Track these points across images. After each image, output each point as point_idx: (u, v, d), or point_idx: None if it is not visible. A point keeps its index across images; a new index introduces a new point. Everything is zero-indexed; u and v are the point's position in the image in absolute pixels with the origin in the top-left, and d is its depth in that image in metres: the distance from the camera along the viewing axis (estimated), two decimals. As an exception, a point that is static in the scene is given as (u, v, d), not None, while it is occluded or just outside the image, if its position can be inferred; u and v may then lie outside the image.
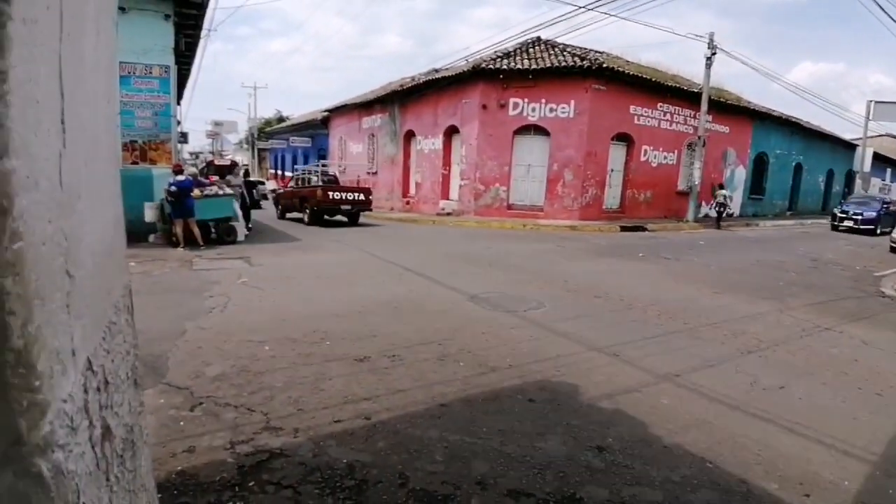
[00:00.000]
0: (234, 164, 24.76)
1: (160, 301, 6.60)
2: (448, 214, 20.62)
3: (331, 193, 16.43)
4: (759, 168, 28.02)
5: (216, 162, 29.49)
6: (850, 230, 21.86)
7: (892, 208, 23.20)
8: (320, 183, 17.34)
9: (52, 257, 0.85)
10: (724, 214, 21.31)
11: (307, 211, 16.83)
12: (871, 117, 30.19)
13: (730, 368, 5.00)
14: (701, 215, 22.60)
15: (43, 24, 0.87)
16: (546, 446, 3.39)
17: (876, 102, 29.82)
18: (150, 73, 12.48)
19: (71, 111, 0.99)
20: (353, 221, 17.03)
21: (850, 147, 34.56)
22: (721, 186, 22.36)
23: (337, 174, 21.79)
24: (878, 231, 21.19)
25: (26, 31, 0.77)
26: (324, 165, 21.73)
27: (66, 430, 0.85)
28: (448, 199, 22.03)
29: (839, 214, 23.01)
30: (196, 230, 11.39)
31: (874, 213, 22.07)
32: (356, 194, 16.92)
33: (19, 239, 0.73)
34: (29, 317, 0.75)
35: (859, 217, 22.08)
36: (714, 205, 21.72)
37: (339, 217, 16.71)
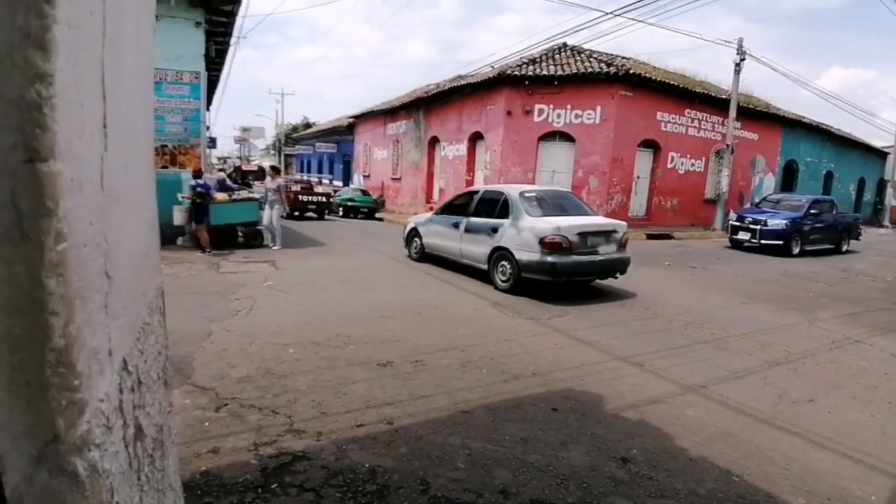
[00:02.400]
0: (261, 170, 25.11)
1: (187, 303, 6.70)
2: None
3: (301, 196, 21.53)
4: (789, 176, 27.50)
5: (244, 167, 29.86)
6: (748, 248, 15.88)
7: (825, 215, 16.72)
8: (296, 189, 22.03)
9: (93, 258, 0.87)
10: None
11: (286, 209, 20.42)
12: (903, 125, 29.48)
13: (757, 380, 4.91)
14: (729, 223, 22.19)
15: (87, 28, 0.89)
16: (569, 456, 3.35)
17: (910, 110, 29.14)
18: (181, 79, 12.71)
19: (112, 115, 1.01)
20: (320, 216, 21.95)
21: (881, 155, 33.84)
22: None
23: (312, 183, 26.83)
24: (797, 250, 15.24)
25: (71, 36, 0.79)
26: (302, 177, 28.95)
27: (103, 430, 0.87)
28: (471, 205, 21.98)
29: (734, 223, 16.71)
30: (205, 235, 11.20)
31: (783, 223, 15.28)
32: (319, 197, 22.22)
33: (63, 240, 0.75)
34: (70, 317, 0.77)
35: (757, 228, 15.52)
36: None
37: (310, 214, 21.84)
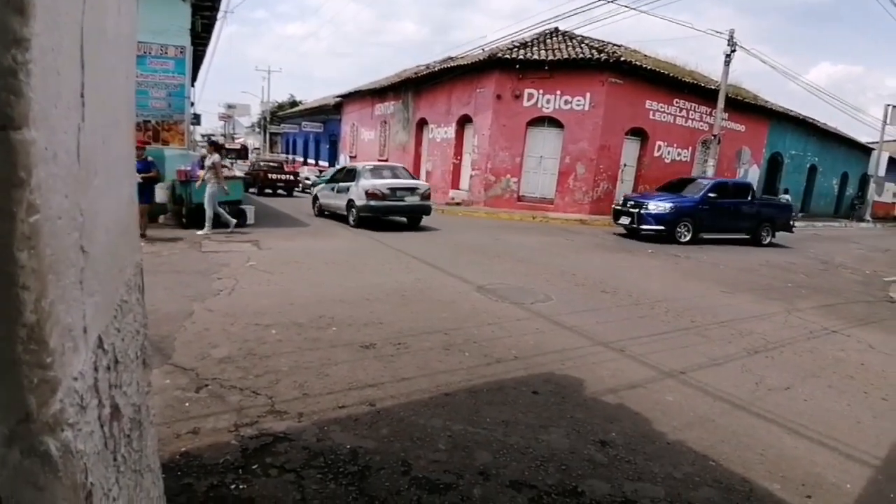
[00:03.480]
0: (244, 148, 25.40)
1: (168, 281, 6.63)
2: (458, 204, 20.57)
3: (270, 175, 23.91)
4: (774, 168, 27.77)
5: (227, 146, 29.71)
6: (628, 233, 14.90)
7: (735, 201, 15.00)
8: (266, 168, 24.56)
9: (68, 232, 0.84)
10: None
11: (257, 186, 23.49)
12: (888, 121, 29.83)
13: (736, 367, 4.97)
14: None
15: None
16: (549, 439, 3.38)
17: (894, 107, 29.49)
18: (166, 53, 12.47)
19: (91, 85, 0.97)
20: (288, 193, 24.01)
21: (865, 150, 34.22)
22: (786, 191, 24.42)
23: (283, 163, 28.62)
24: (686, 238, 14.02)
25: (50, 0, 0.76)
26: (271, 157, 31.32)
27: (76, 409, 0.85)
28: (458, 188, 21.98)
29: (616, 207, 15.62)
30: (144, 219, 9.88)
31: (667, 207, 13.94)
32: (287, 176, 24.66)
33: (36, 212, 0.72)
34: (42, 292, 0.74)
35: (636, 212, 14.26)
36: None
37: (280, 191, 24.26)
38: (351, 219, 13.25)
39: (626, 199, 15.30)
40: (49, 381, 0.76)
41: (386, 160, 27.20)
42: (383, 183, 13.05)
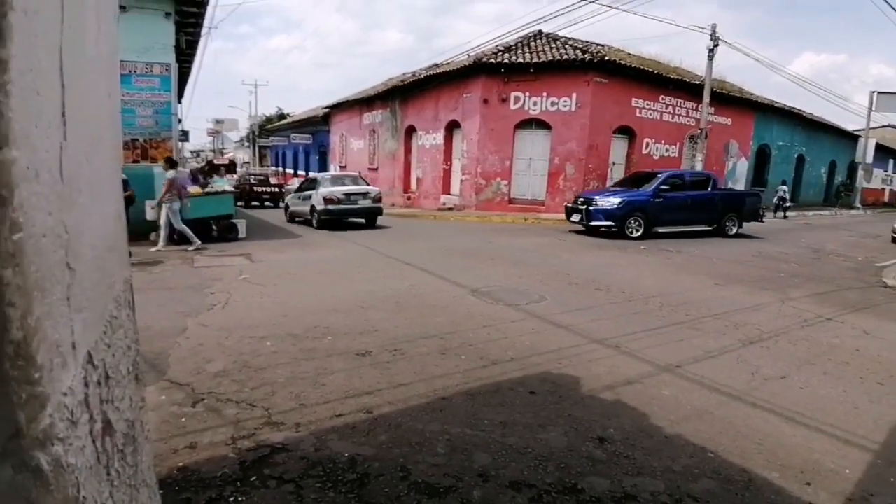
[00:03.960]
0: (232, 163, 25.89)
1: (161, 298, 6.61)
2: (449, 209, 20.61)
3: (256, 188, 25.06)
4: (762, 160, 27.96)
5: (215, 161, 30.03)
6: (581, 229, 14.80)
7: (692, 192, 14.81)
8: (253, 181, 25.71)
9: (53, 249, 0.85)
10: (785, 206, 24.07)
11: (244, 198, 23.91)
12: (874, 108, 30.11)
13: (731, 359, 5.00)
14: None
15: (44, 14, 0.87)
16: (547, 438, 3.40)
17: (879, 93, 29.78)
18: (151, 71, 12.46)
19: (72, 104, 0.99)
20: (275, 205, 24.35)
21: (852, 138, 34.50)
22: (783, 182, 25.65)
23: (269, 175, 29.68)
24: (638, 232, 13.87)
25: (27, 22, 0.78)
26: (259, 171, 32.33)
27: (66, 424, 0.86)
28: (449, 193, 22.02)
29: (568, 205, 15.51)
30: None
31: (616, 202, 13.91)
32: (273, 188, 25.70)
33: (19, 230, 0.73)
34: (28, 308, 0.75)
35: (584, 209, 14.26)
36: (776, 199, 24.16)
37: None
38: (314, 221, 15.27)
39: (577, 197, 15.37)
40: (38, 396, 0.77)
41: (376, 169, 27.30)
42: (339, 189, 15.12)
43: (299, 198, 16.63)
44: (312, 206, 15.25)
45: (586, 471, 3.03)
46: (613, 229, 13.89)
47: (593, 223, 14.07)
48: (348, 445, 3.22)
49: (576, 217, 14.65)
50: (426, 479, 2.89)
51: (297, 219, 16.84)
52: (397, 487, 2.81)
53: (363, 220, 15.79)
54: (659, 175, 15.19)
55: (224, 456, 3.07)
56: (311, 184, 16.40)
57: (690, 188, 15.03)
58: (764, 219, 17.02)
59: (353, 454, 3.12)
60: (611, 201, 14.00)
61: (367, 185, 16.62)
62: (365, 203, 15.28)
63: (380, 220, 16.14)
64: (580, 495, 2.80)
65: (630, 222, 13.89)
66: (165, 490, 2.64)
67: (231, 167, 25.50)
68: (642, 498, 2.80)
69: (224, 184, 13.67)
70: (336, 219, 14.94)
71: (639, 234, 13.94)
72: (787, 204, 24.68)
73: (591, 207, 14.12)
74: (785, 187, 24.97)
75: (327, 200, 14.68)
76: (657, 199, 14.24)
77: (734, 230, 15.40)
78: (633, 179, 15.87)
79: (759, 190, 19.64)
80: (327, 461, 3.04)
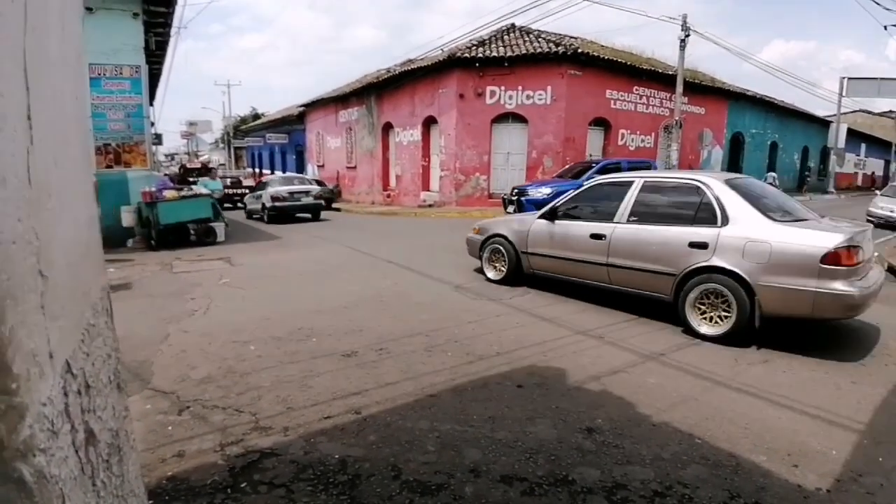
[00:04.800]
0: (204, 167, 25.69)
1: (141, 305, 6.51)
2: (430, 206, 20.59)
3: (227, 190, 23.84)
4: (736, 148, 28.35)
5: (188, 165, 29.72)
6: None
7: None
8: (226, 183, 25.12)
9: (24, 257, 0.82)
10: None
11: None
12: (844, 94, 30.66)
13: (713, 345, 5.05)
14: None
15: (6, 17, 0.84)
16: (536, 430, 3.40)
17: (849, 79, 30.31)
18: (121, 73, 12.25)
19: (38, 107, 0.96)
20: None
21: (824, 124, 35.13)
22: (772, 171, 27.03)
23: (241, 178, 29.35)
24: None
25: None
26: (232, 174, 32.19)
27: (48, 434, 0.83)
28: (429, 190, 21.99)
29: (504, 196, 15.79)
30: None
31: (546, 192, 13.73)
32: (244, 190, 25.10)
33: None
34: (1, 318, 0.73)
35: (516, 199, 14.58)
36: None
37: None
38: (265, 217, 17.45)
39: (514, 188, 15.43)
40: (16, 407, 0.75)
41: (354, 167, 27.19)
42: (285, 189, 17.63)
43: (254, 197, 19.06)
44: (263, 204, 17.50)
45: (576, 462, 3.04)
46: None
47: (524, 213, 13.87)
48: (338, 447, 3.20)
49: (511, 208, 14.66)
50: (417, 478, 2.88)
51: (254, 216, 18.90)
52: (389, 487, 2.80)
53: (310, 215, 18.15)
54: (594, 165, 15.21)
55: (213, 463, 3.02)
56: (262, 185, 18.96)
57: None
58: None
59: (343, 455, 3.10)
60: (541, 192, 13.96)
61: (311, 184, 19.68)
62: (307, 200, 17.76)
63: (371, 220, 17.39)
64: (571, 486, 2.81)
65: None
66: (155, 500, 2.60)
67: (204, 170, 25.20)
68: (632, 486, 2.81)
69: (218, 186, 13.63)
70: (282, 213, 17.12)
71: None
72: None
73: (522, 198, 14.18)
74: (774, 174, 25.81)
75: (274, 198, 17.07)
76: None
77: None
78: (575, 170, 15.81)
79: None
80: (317, 464, 3.01)
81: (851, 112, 42.46)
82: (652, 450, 3.17)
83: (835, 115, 32.40)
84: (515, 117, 19.66)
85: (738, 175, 6.40)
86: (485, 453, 3.13)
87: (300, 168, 35.52)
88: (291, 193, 17.49)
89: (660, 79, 21.97)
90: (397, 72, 23.50)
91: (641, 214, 5.97)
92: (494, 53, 19.36)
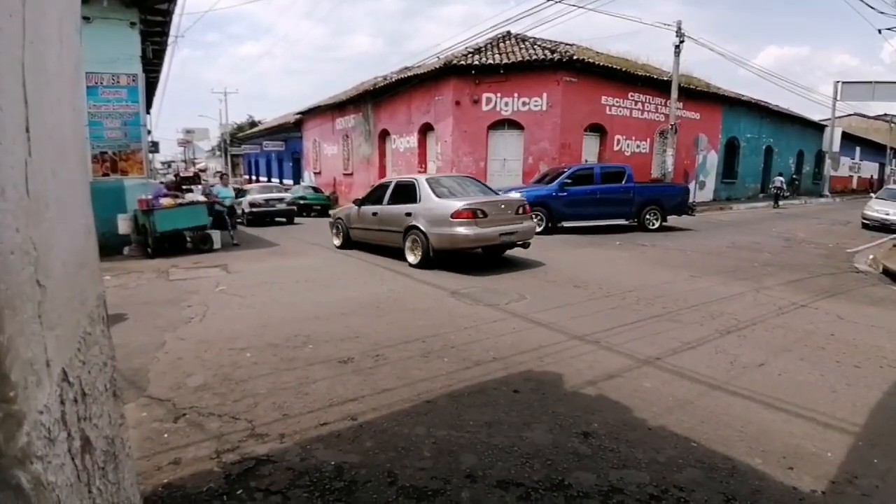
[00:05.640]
0: (196, 175, 26.12)
1: (138, 313, 6.50)
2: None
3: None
4: (731, 152, 28.44)
5: (182, 174, 30.03)
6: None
7: (604, 187, 14.59)
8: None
9: (22, 266, 0.84)
10: (780, 196, 25.26)
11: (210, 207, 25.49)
12: (838, 98, 30.81)
13: (709, 349, 5.08)
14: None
15: (6, 32, 0.86)
16: (533, 436, 3.41)
17: (843, 83, 30.45)
18: (118, 82, 12.26)
19: (36, 119, 0.97)
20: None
21: (818, 128, 35.28)
22: (780, 174, 27.16)
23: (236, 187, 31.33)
24: (539, 228, 13.17)
25: None
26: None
27: (44, 442, 0.84)
28: (425, 196, 21.98)
29: None
30: None
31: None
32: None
33: None
34: (0, 327, 0.74)
35: None
36: (772, 188, 25.60)
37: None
38: (244, 220, 18.61)
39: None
40: (14, 415, 0.76)
41: (351, 174, 27.21)
42: (261, 196, 19.59)
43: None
44: (242, 210, 18.82)
45: (572, 466, 3.05)
46: None
47: None
48: (334, 454, 3.20)
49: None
50: (414, 483, 2.89)
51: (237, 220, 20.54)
52: (385, 493, 2.80)
53: (285, 219, 19.90)
54: (565, 170, 15.20)
55: (209, 470, 3.03)
56: (242, 192, 20.56)
57: (601, 182, 14.80)
58: (694, 212, 16.89)
59: (339, 462, 3.10)
60: None
61: (286, 193, 21.35)
62: (281, 206, 19.72)
63: None
64: (567, 491, 2.82)
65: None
66: (149, 508, 2.60)
67: (196, 179, 25.52)
68: (629, 490, 2.83)
69: (228, 194, 13.62)
70: (259, 218, 18.97)
71: (540, 229, 13.55)
72: (786, 194, 26.30)
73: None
74: (781, 178, 26.16)
75: (252, 204, 19.04)
76: (561, 194, 14.27)
77: (656, 224, 15.08)
78: (548, 176, 15.79)
79: (686, 186, 18.29)
80: (314, 470, 3.02)
81: (846, 116, 42.68)
82: (648, 453, 3.19)
83: (829, 119, 32.58)
84: (511, 124, 19.71)
85: (436, 175, 12.69)
86: (481, 459, 3.14)
87: (297, 175, 35.51)
88: (267, 200, 19.44)
89: (655, 85, 22.06)
90: (394, 79, 23.54)
91: (394, 199, 10.23)
92: (490, 61, 19.43)
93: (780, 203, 25.40)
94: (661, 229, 14.99)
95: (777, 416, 3.72)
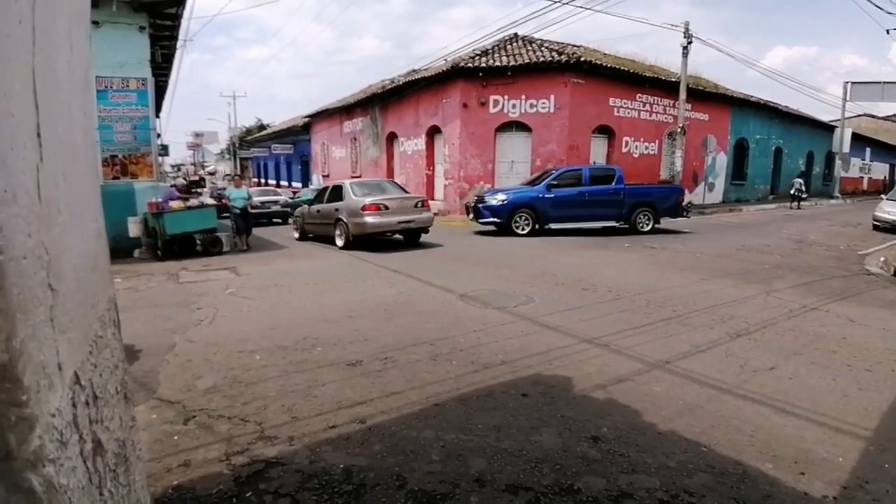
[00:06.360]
0: (201, 179, 27.23)
1: (148, 315, 6.54)
2: (435, 215, 20.59)
3: (224, 200, 27.88)
4: (740, 154, 28.28)
5: (190, 178, 31.03)
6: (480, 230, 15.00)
7: (593, 188, 14.57)
8: (220, 195, 28.30)
9: (34, 271, 0.84)
10: (800, 197, 25.39)
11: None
12: (848, 98, 30.62)
13: (720, 353, 5.04)
14: (685, 203, 22.96)
15: (16, 38, 0.87)
16: (542, 440, 3.40)
17: (853, 83, 30.28)
18: (128, 86, 12.37)
19: (47, 125, 0.98)
20: None
21: (828, 129, 35.02)
22: (799, 176, 27.69)
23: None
24: (526, 230, 14.19)
25: None
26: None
27: (56, 445, 0.85)
28: (434, 199, 22.03)
29: (467, 203, 16.14)
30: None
31: (501, 199, 14.37)
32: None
33: None
34: (12, 331, 0.74)
35: (473, 206, 15.06)
36: (793, 191, 25.47)
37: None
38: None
39: (475, 196, 15.77)
40: (26, 418, 0.76)
41: (359, 176, 27.30)
42: (257, 199, 19.76)
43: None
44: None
45: (582, 471, 3.04)
46: (501, 226, 14.25)
47: (481, 220, 14.55)
48: (343, 457, 3.20)
49: (472, 215, 15.08)
50: (423, 487, 2.88)
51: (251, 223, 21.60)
52: (394, 497, 2.80)
53: (280, 220, 21.27)
54: (553, 172, 15.26)
55: (219, 473, 3.04)
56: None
57: (590, 184, 14.73)
58: (689, 214, 16.75)
59: (348, 465, 3.10)
60: (497, 198, 14.38)
61: (280, 196, 23.66)
62: (276, 207, 21.66)
63: None
64: (577, 496, 2.80)
65: (517, 219, 14.19)
66: (159, 510, 2.61)
67: (201, 182, 26.44)
68: (638, 496, 2.81)
69: (241, 195, 13.51)
70: (256, 218, 18.91)
71: (526, 231, 14.13)
72: (804, 195, 26.11)
73: (479, 205, 14.56)
74: (800, 180, 26.11)
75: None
76: (548, 196, 14.34)
77: (648, 226, 14.91)
78: (535, 178, 15.91)
79: (680, 188, 17.79)
80: (322, 473, 3.02)
81: (856, 116, 42.32)
82: (657, 458, 3.17)
83: (839, 119, 32.37)
84: (519, 126, 19.70)
85: (361, 179, 18.37)
86: (490, 462, 3.13)
87: (305, 178, 35.64)
88: (263, 202, 20.90)
89: (663, 86, 21.98)
90: (401, 82, 23.60)
91: (330, 199, 13.24)
92: (497, 63, 19.43)
93: (801, 205, 25.62)
94: (668, 232, 14.94)
95: (788, 421, 3.69)
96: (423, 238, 13.42)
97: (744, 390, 4.17)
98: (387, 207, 12.04)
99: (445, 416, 3.75)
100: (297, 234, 14.97)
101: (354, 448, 3.31)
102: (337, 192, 13.09)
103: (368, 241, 12.39)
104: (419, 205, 12.80)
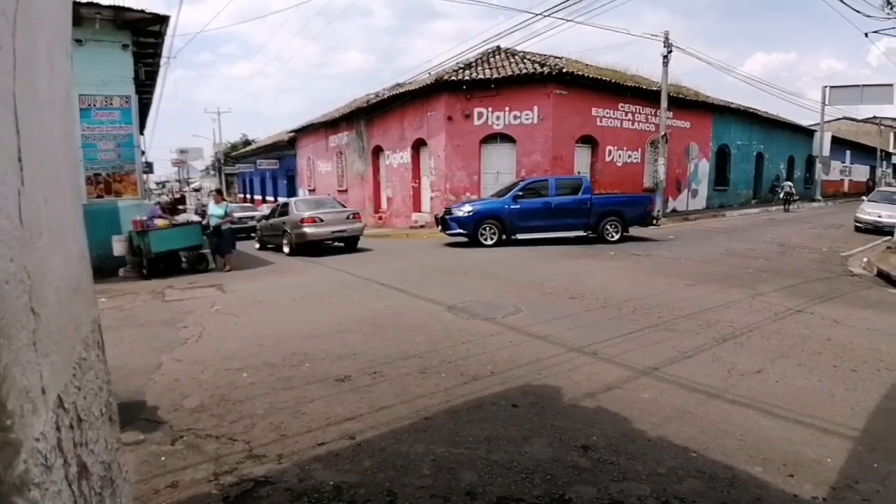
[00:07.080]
0: (182, 197, 27.50)
1: (133, 335, 6.48)
2: (422, 227, 20.63)
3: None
4: (722, 160, 28.63)
5: (174, 196, 31.44)
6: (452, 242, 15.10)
7: (535, 199, 14.62)
8: (203, 212, 30.16)
9: (16, 296, 0.84)
10: (791, 200, 26.39)
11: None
12: (827, 102, 31.12)
13: (707, 358, 5.08)
14: (668, 210, 23.15)
15: None
16: (532, 450, 3.40)
17: (831, 87, 30.78)
18: (111, 104, 12.32)
19: (28, 148, 0.98)
20: None
21: (808, 133, 35.57)
22: (787, 179, 28.91)
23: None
24: (492, 240, 14.30)
25: None
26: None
27: (41, 469, 0.84)
28: (420, 211, 22.06)
29: (437, 215, 16.54)
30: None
31: (467, 211, 14.53)
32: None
33: None
34: (-5, 356, 0.74)
35: (441, 217, 15.34)
36: (783, 194, 26.60)
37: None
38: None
39: (446, 207, 15.99)
40: (11, 443, 0.76)
41: (345, 190, 27.31)
42: (236, 215, 20.06)
43: None
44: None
45: (573, 480, 3.04)
46: (467, 237, 14.50)
47: (448, 232, 14.84)
48: (333, 473, 3.19)
49: (439, 227, 15.43)
50: (413, 502, 2.87)
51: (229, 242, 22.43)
52: (385, 511, 2.78)
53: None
54: (518, 182, 15.55)
55: (207, 493, 3.01)
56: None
57: (557, 194, 14.79)
58: (658, 222, 16.76)
59: (338, 482, 3.08)
60: (463, 210, 14.66)
61: (257, 210, 25.34)
62: (252, 222, 22.13)
63: (363, 242, 17.71)
64: (568, 504, 2.81)
65: (483, 230, 14.38)
66: (147, 533, 2.58)
67: (181, 200, 26.73)
68: (629, 503, 2.82)
69: (218, 212, 13.19)
70: (234, 232, 21.87)
71: (492, 241, 14.29)
72: (795, 198, 26.91)
73: (447, 217, 14.87)
74: (790, 183, 27.22)
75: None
76: (514, 207, 14.44)
77: (616, 235, 14.77)
78: (503, 190, 16.04)
79: (648, 196, 17.80)
80: (312, 491, 3.00)
81: (835, 120, 43.05)
82: (648, 465, 3.18)
83: (818, 123, 32.89)
84: (503, 137, 19.83)
85: (304, 197, 24.65)
86: (480, 475, 3.12)
87: (291, 193, 35.52)
88: (240, 218, 21.86)
89: (644, 95, 22.25)
90: (386, 96, 23.70)
91: (279, 214, 15.94)
92: (481, 76, 19.59)
93: (790, 207, 26.42)
94: (651, 239, 15.05)
95: (776, 423, 3.72)
96: (360, 244, 15.68)
97: (731, 394, 4.21)
98: (321, 220, 14.43)
99: (435, 429, 3.75)
100: (257, 245, 17.55)
101: (344, 464, 3.29)
102: (285, 208, 15.87)
103: (310, 248, 14.63)
104: (350, 217, 15.30)
